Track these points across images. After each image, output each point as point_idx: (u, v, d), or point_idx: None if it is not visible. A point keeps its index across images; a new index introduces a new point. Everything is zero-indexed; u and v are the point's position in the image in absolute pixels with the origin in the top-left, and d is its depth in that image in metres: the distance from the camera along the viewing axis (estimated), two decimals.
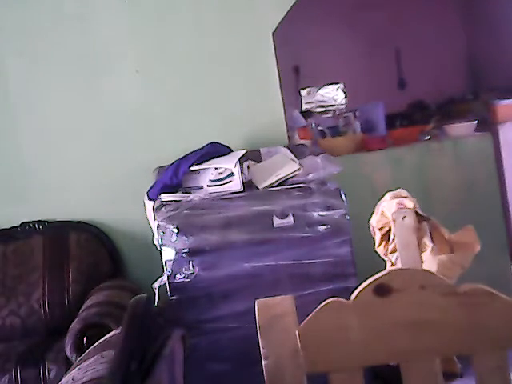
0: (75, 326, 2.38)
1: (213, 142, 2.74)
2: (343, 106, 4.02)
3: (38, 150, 3.08)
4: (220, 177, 2.50)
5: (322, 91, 4.06)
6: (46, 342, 2.61)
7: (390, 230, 2.23)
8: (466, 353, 0.99)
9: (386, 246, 2.28)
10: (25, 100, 3.07)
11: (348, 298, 0.98)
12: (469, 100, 4.03)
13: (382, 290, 0.97)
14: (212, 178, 2.51)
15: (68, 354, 2.35)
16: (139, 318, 1.00)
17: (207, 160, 2.57)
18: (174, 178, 2.51)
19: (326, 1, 4.39)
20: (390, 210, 2.18)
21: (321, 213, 2.38)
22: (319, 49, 4.40)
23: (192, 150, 2.67)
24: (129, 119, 3.08)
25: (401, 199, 2.19)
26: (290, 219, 2.36)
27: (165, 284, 2.36)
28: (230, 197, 2.45)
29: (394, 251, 2.24)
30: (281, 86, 3.08)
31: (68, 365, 2.33)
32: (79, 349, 2.33)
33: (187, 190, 2.53)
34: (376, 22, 4.40)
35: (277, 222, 2.36)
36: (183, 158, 2.61)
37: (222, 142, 2.76)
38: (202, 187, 2.51)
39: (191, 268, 2.35)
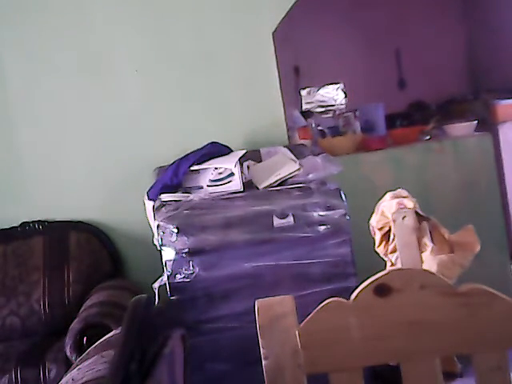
0: (75, 325, 2.38)
1: (213, 142, 2.74)
2: (343, 106, 4.01)
3: (38, 150, 3.08)
4: (220, 177, 2.50)
5: (322, 91, 4.06)
6: (46, 342, 2.61)
7: (389, 229, 2.23)
8: (466, 353, 0.99)
9: (386, 246, 2.28)
10: (25, 100, 3.07)
11: (348, 298, 0.98)
12: (469, 100, 4.02)
13: (382, 289, 0.97)
14: (212, 178, 2.51)
15: (68, 354, 2.35)
16: (139, 318, 1.00)
17: (207, 160, 2.57)
18: (174, 178, 2.51)
19: (326, 1, 4.39)
20: (390, 210, 2.18)
21: (321, 213, 2.37)
22: (319, 49, 4.40)
23: (192, 150, 2.67)
24: (129, 119, 3.08)
25: (401, 199, 2.19)
26: (290, 219, 2.36)
27: (165, 284, 2.36)
28: (230, 197, 2.45)
29: (394, 251, 2.24)
30: (281, 86, 3.08)
31: (68, 365, 2.34)
32: (79, 349, 2.33)
33: (187, 190, 2.53)
34: (376, 22, 4.40)
35: (277, 222, 2.36)
36: (183, 157, 2.61)
37: (221, 142, 2.76)
38: (202, 187, 2.51)
39: (191, 268, 2.35)
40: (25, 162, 3.08)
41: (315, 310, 0.98)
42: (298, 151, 2.79)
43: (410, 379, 0.99)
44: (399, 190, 2.27)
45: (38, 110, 3.08)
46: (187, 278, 2.34)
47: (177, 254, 2.34)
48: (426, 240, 2.19)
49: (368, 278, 0.99)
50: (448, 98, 4.17)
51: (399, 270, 1.44)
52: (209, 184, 2.51)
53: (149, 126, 3.08)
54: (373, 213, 2.29)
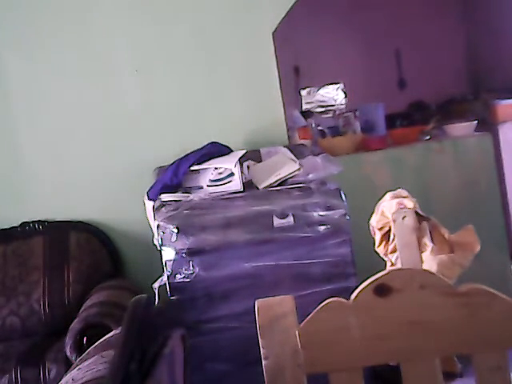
0: (75, 325, 2.38)
1: (213, 142, 2.74)
2: (343, 106, 4.01)
3: (38, 150, 3.08)
4: (220, 177, 2.50)
5: (322, 91, 4.06)
6: (46, 342, 2.61)
7: (389, 229, 2.23)
8: (466, 353, 0.99)
9: (386, 246, 2.28)
10: (25, 100, 3.07)
11: (348, 298, 0.98)
12: (469, 100, 4.02)
13: (382, 289, 0.97)
14: (212, 178, 2.51)
15: (68, 354, 2.35)
16: (139, 318, 1.00)
17: (207, 160, 2.57)
18: (174, 178, 2.51)
19: (326, 1, 4.39)
20: (390, 210, 2.18)
21: (321, 213, 2.37)
22: (319, 49, 4.40)
23: (192, 150, 2.67)
24: (129, 119, 3.08)
25: (401, 199, 2.19)
26: (290, 219, 2.36)
27: (165, 284, 2.35)
28: (230, 197, 2.45)
29: (394, 251, 2.24)
30: (281, 86, 3.08)
31: (68, 365, 2.34)
32: (79, 349, 2.33)
33: (187, 190, 2.53)
34: (376, 22, 4.40)
35: (277, 222, 2.36)
36: (183, 157, 2.61)
37: (221, 142, 2.76)
38: (202, 187, 2.51)
39: (191, 268, 2.34)
40: (25, 162, 3.08)
41: (315, 310, 0.98)
42: (297, 151, 2.79)
43: (410, 379, 0.99)
44: (399, 189, 2.27)
45: (37, 110, 3.08)
46: (187, 277, 2.34)
47: (177, 254, 2.34)
48: (426, 240, 2.19)
49: (368, 278, 0.99)
50: (448, 98, 4.16)
51: (399, 269, 1.44)
52: (209, 184, 2.51)
53: (149, 126, 3.08)
54: (373, 213, 2.29)
